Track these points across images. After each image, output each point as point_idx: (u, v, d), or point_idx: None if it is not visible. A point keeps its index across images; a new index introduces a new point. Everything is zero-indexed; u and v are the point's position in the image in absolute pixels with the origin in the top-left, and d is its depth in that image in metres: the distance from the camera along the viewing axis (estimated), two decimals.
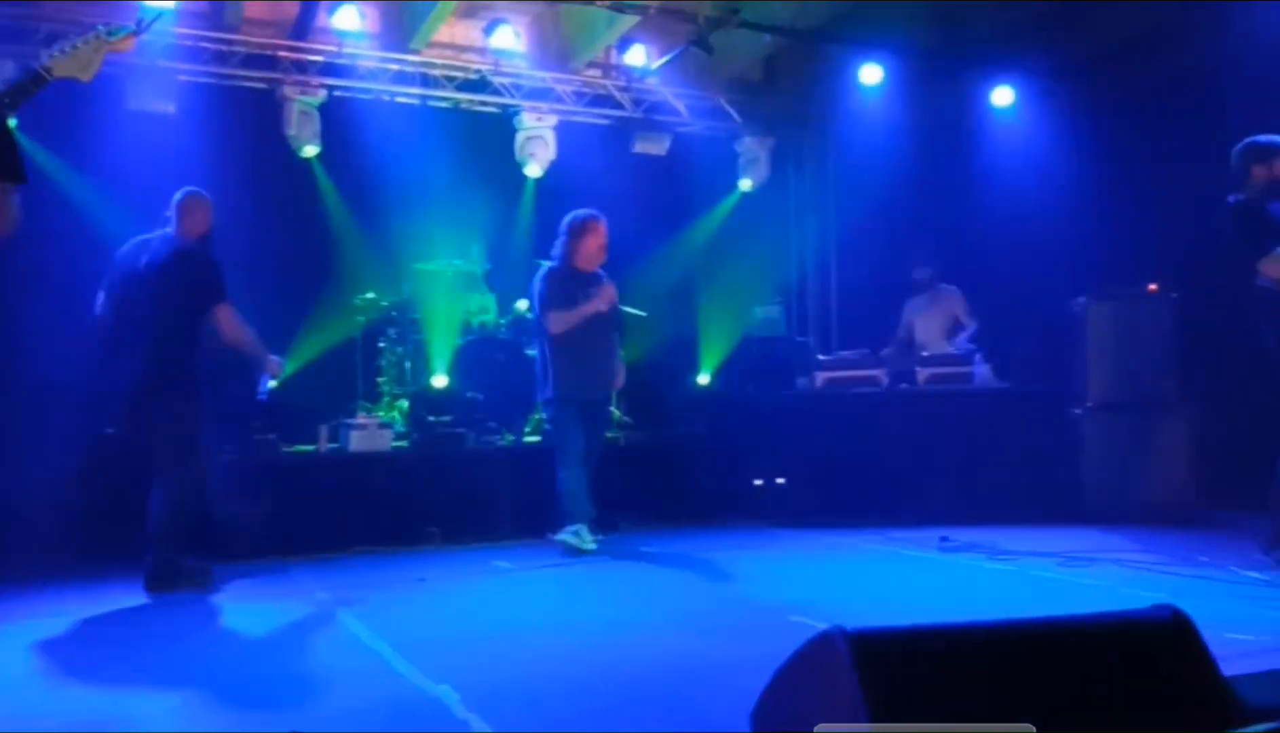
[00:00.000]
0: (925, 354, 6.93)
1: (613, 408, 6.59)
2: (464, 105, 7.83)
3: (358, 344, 7.07)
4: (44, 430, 5.37)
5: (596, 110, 8.18)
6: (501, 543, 5.83)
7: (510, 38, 7.44)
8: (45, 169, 6.20)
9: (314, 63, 7.25)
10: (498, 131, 7.90)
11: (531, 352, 6.24)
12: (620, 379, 5.97)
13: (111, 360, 4.65)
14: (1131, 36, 6.82)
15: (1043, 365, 6.82)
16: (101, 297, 4.74)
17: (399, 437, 6.45)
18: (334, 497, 5.82)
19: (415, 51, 7.47)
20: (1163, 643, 1.86)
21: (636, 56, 7.70)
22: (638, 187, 7.83)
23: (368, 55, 7.38)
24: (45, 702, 3.02)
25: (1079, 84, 7.29)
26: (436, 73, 7.65)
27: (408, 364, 6.96)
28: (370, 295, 7.09)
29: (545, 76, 7.87)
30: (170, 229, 4.74)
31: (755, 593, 4.43)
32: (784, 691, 1.94)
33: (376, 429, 6.15)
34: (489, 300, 7.43)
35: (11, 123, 3.12)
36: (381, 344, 7.08)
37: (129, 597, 4.43)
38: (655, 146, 8.37)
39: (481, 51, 7.70)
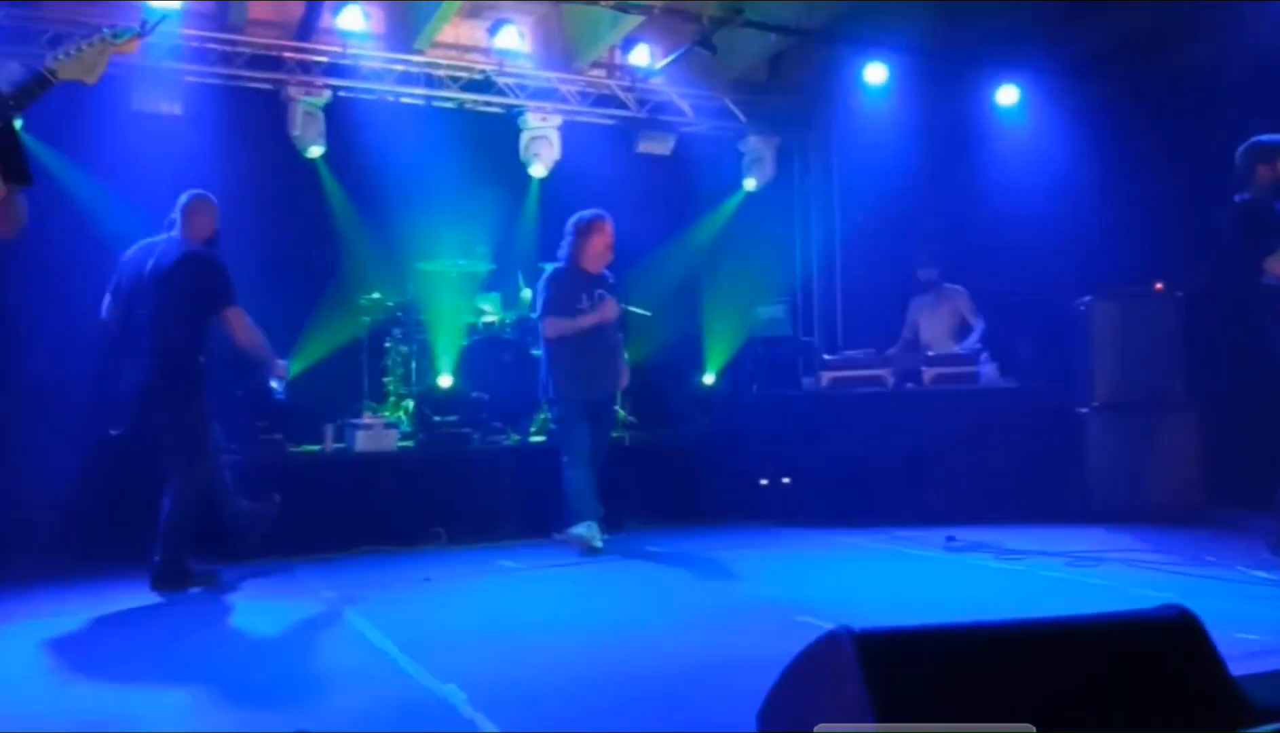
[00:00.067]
0: (931, 354, 6.92)
1: (618, 408, 6.60)
2: (468, 106, 7.83)
3: (363, 344, 7.07)
4: (47, 431, 5.37)
5: (601, 110, 8.18)
6: (507, 543, 5.83)
7: (515, 38, 7.45)
8: (50, 170, 6.20)
9: (319, 63, 7.25)
10: (502, 132, 7.90)
11: (536, 352, 6.24)
12: (625, 379, 5.97)
13: (118, 364, 4.66)
14: (1137, 35, 6.80)
15: (1048, 365, 6.82)
16: (108, 300, 4.75)
17: (404, 437, 6.46)
18: (340, 497, 5.82)
19: (420, 52, 7.47)
20: (1171, 643, 1.85)
21: (641, 56, 7.70)
22: (642, 186, 7.84)
23: (372, 56, 7.38)
24: (53, 700, 3.03)
25: (1084, 83, 7.28)
26: (441, 73, 7.65)
27: (413, 364, 6.97)
28: (375, 296, 7.09)
29: (550, 77, 7.87)
30: (176, 232, 4.74)
31: (761, 593, 4.43)
32: (790, 691, 1.94)
33: (382, 429, 6.16)
34: (494, 300, 7.43)
35: (17, 124, 3.13)
36: (387, 344, 7.08)
37: (135, 596, 4.44)
38: (660, 146, 8.37)
39: (486, 52, 7.70)
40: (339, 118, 7.30)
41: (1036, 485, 6.20)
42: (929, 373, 6.67)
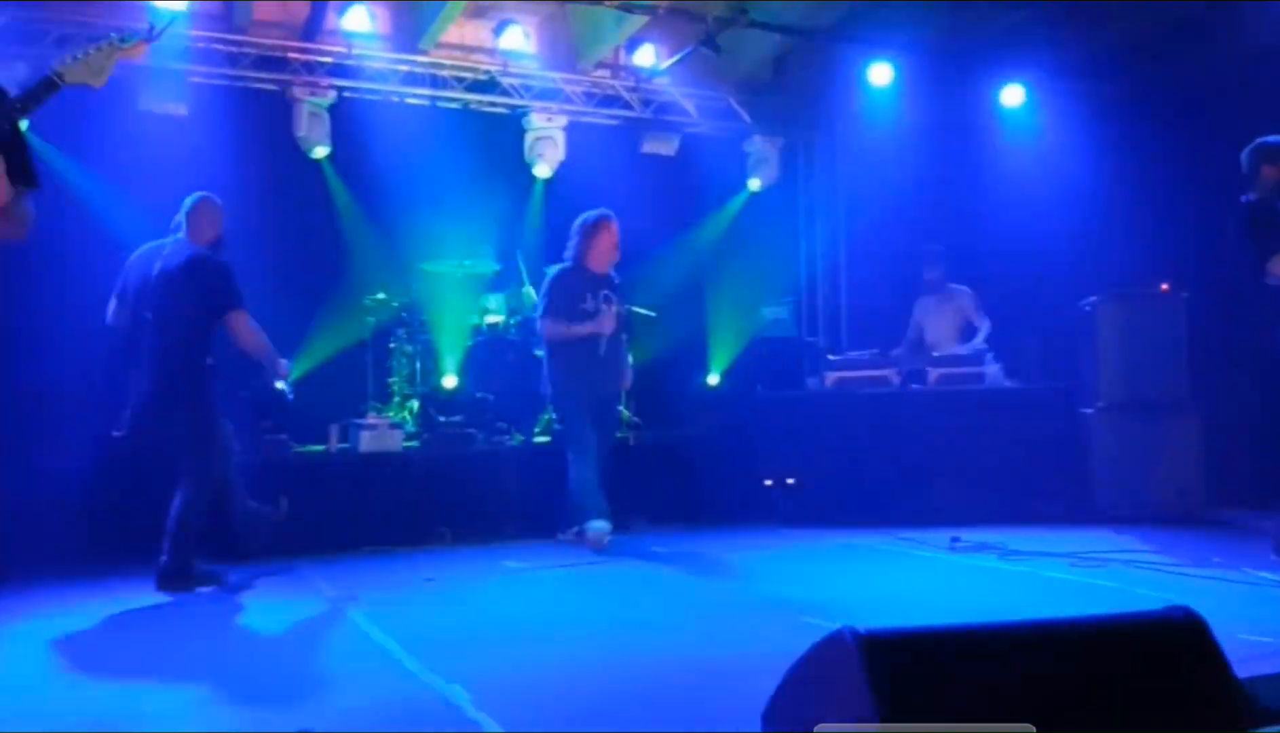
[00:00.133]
0: (936, 354, 6.91)
1: (622, 408, 6.60)
2: (473, 106, 7.84)
3: (368, 345, 7.08)
4: (54, 431, 5.39)
5: (605, 111, 8.18)
6: (511, 542, 5.83)
7: (519, 38, 7.46)
8: (57, 171, 6.22)
9: (324, 64, 7.27)
10: (507, 132, 7.91)
11: (540, 352, 6.25)
12: (628, 380, 5.97)
13: (124, 367, 4.67)
14: (1143, 36, 6.80)
15: (1053, 366, 6.81)
16: (113, 304, 4.75)
17: (409, 437, 6.46)
18: (345, 497, 5.84)
19: (424, 52, 7.48)
20: (1176, 644, 1.85)
21: (645, 57, 7.70)
22: (647, 187, 7.83)
23: (377, 56, 7.39)
24: (60, 699, 3.04)
25: (1089, 84, 7.28)
26: (446, 73, 7.66)
27: (418, 365, 6.98)
28: (380, 296, 7.10)
29: (554, 77, 7.88)
30: (182, 235, 4.75)
31: (766, 593, 4.43)
32: (794, 691, 1.94)
33: (387, 429, 6.17)
34: (499, 300, 7.44)
35: (23, 126, 3.14)
36: (392, 345, 7.09)
37: (141, 596, 4.44)
38: (664, 147, 8.38)
39: (491, 52, 7.71)
40: (344, 118, 7.32)
41: (1041, 486, 6.19)
42: (934, 373, 6.67)
